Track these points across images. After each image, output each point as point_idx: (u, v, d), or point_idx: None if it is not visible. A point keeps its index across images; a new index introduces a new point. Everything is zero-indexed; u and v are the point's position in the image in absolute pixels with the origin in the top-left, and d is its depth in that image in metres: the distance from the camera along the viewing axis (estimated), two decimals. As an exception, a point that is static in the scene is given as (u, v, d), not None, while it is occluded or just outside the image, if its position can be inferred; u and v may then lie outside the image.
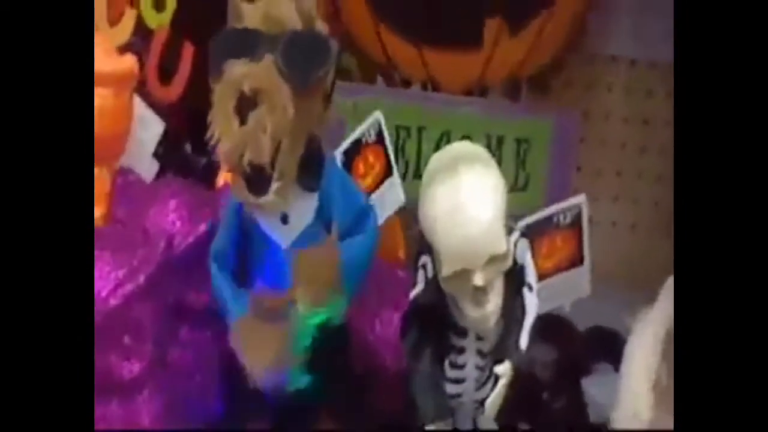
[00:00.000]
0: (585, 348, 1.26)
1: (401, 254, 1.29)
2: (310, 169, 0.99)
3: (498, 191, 0.95)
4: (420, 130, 1.38)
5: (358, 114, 1.31)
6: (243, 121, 0.93)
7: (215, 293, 1.04)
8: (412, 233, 1.19)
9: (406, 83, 1.44)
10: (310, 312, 0.97)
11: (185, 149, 1.48)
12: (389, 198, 1.20)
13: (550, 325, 1.12)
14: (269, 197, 0.96)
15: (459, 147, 1.01)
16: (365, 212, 1.04)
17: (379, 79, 1.46)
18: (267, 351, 0.97)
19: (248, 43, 0.96)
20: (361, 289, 1.02)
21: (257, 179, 0.96)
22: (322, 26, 0.99)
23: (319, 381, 0.99)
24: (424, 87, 1.42)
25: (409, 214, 1.18)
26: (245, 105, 0.93)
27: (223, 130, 0.94)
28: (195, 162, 1.46)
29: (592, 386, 1.19)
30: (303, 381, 0.98)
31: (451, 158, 0.97)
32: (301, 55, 0.95)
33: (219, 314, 1.04)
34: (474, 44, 1.36)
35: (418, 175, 1.31)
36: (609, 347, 1.23)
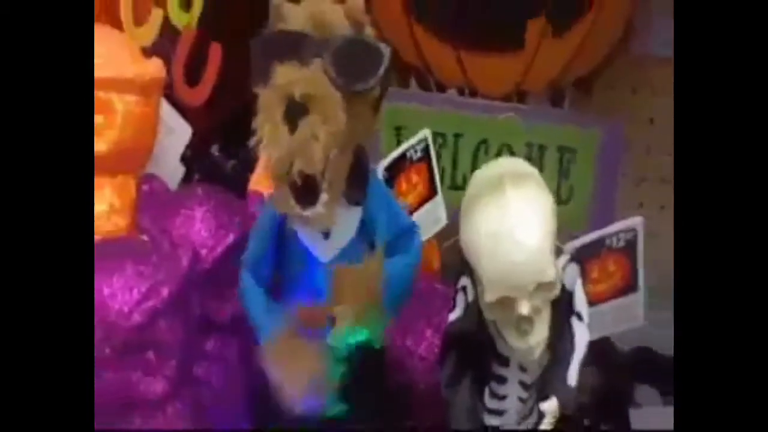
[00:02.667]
0: (628, 371, 1.22)
1: (436, 265, 1.25)
2: (357, 182, 0.96)
3: (548, 214, 0.91)
4: (456, 137, 1.32)
5: (391, 120, 1.28)
6: (292, 129, 0.89)
7: (245, 305, 1.00)
8: (448, 245, 1.19)
9: (441, 87, 1.37)
10: (351, 331, 0.94)
11: (212, 152, 1.45)
12: (430, 219, 1.17)
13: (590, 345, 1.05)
14: (318, 209, 0.92)
15: (506, 163, 0.98)
16: (410, 232, 1.01)
17: (413, 82, 1.39)
18: (305, 371, 0.93)
19: (295, 46, 0.91)
20: (401, 311, 0.99)
21: (307, 190, 0.91)
22: (370, 31, 0.95)
23: (353, 407, 0.96)
24: (461, 92, 1.36)
25: (445, 225, 1.17)
26: (295, 112, 0.89)
27: (272, 138, 0.90)
28: (222, 165, 1.44)
29: (639, 418, 1.16)
30: (339, 408, 0.95)
31: (497, 176, 0.93)
32: (353, 62, 0.91)
33: (245, 326, 1.00)
34: (515, 46, 1.29)
35: (454, 186, 1.30)
36: (655, 371, 1.23)
